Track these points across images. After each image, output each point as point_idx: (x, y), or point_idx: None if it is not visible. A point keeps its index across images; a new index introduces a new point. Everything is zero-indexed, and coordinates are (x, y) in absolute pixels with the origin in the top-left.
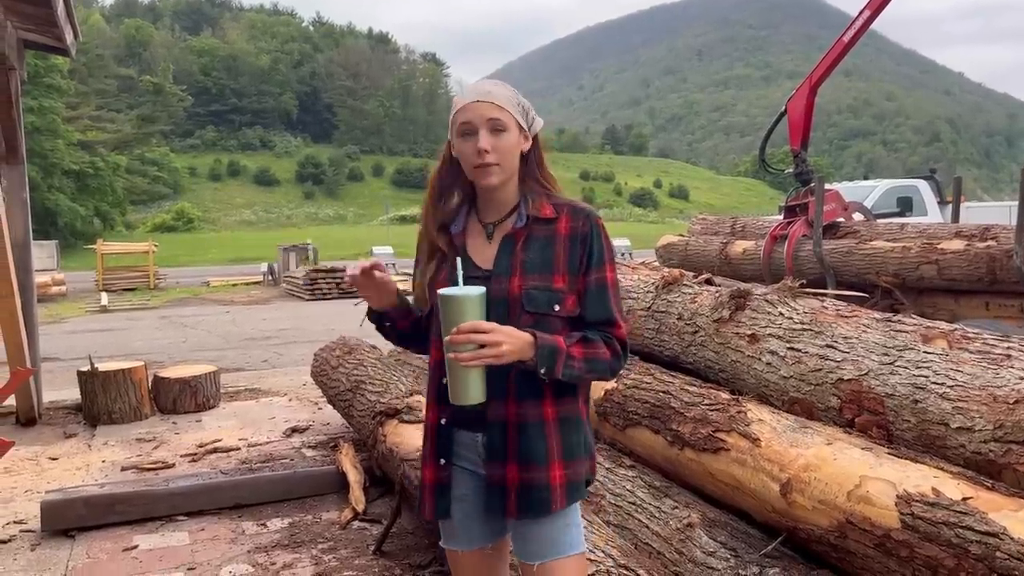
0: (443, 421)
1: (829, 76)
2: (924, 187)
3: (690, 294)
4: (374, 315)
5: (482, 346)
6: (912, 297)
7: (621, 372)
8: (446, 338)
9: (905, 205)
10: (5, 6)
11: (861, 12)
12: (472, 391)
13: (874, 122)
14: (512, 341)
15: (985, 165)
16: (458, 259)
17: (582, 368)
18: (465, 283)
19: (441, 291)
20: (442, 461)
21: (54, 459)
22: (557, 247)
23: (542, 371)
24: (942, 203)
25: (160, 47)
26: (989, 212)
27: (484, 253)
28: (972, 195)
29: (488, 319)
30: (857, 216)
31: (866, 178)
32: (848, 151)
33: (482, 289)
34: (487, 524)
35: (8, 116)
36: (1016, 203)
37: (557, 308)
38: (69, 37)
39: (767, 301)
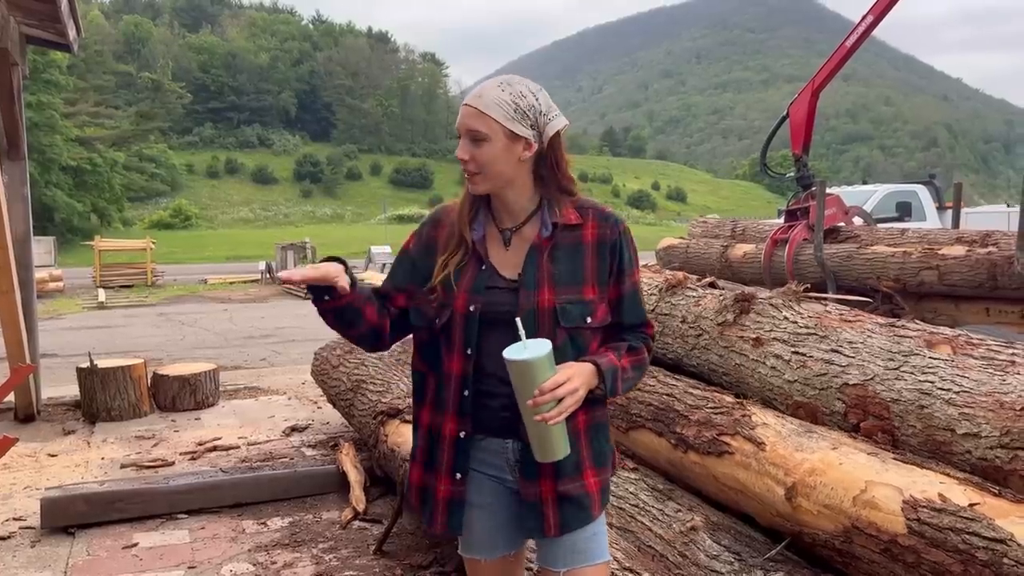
0: (462, 434)
1: (831, 81)
2: (923, 192)
3: (694, 297)
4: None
5: (560, 399)
6: (912, 302)
7: None
8: (528, 401)
9: (904, 210)
10: (9, 2)
11: (864, 17)
12: (560, 447)
13: (872, 127)
14: (583, 379)
15: (982, 171)
16: (518, 319)
17: (632, 377)
18: (487, 294)
19: (510, 357)
20: (458, 476)
21: (53, 456)
22: (586, 256)
23: (608, 396)
24: (941, 208)
25: (159, 44)
26: (988, 218)
27: (505, 261)
28: (969, 201)
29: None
30: (857, 221)
31: (864, 183)
32: (846, 155)
33: (548, 344)
34: (511, 531)
35: (10, 112)
36: (1016, 209)
37: (589, 320)
38: (72, 33)
39: (771, 305)
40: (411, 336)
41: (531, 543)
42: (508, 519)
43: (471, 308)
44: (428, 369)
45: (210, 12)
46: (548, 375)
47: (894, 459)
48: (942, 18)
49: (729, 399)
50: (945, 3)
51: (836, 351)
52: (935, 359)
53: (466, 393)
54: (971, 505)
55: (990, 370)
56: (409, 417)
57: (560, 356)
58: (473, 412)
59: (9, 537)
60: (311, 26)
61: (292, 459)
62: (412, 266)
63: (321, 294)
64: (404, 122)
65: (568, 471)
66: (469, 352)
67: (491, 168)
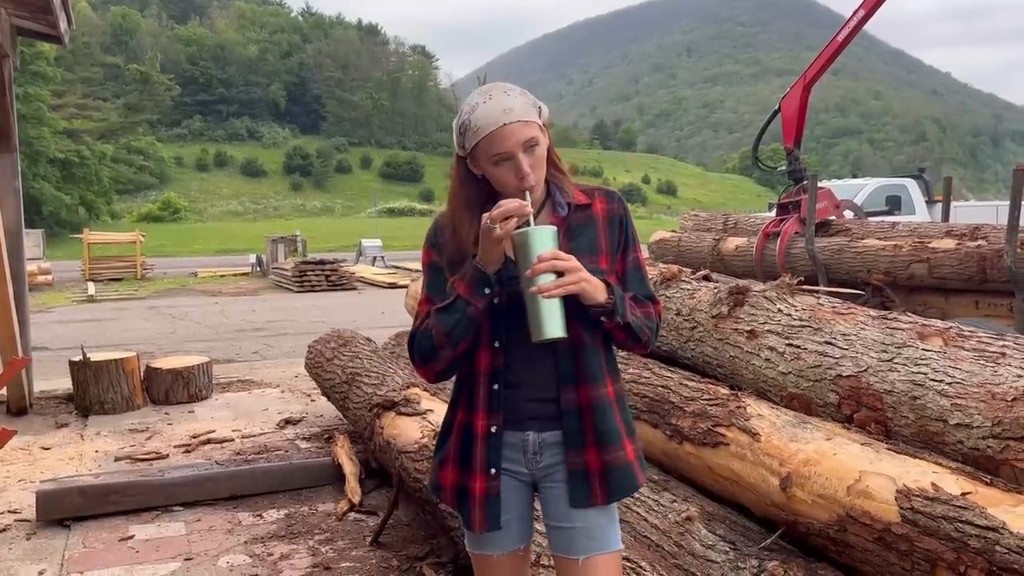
0: (494, 429)
1: (822, 75)
2: (913, 186)
3: (688, 290)
4: (483, 280)
5: (560, 276)
6: (903, 295)
7: (618, 366)
8: (526, 272)
9: (894, 204)
10: None
11: (855, 12)
12: (554, 325)
13: (861, 121)
14: (589, 276)
15: (970, 165)
16: (526, 192)
17: (640, 319)
18: (510, 284)
19: (517, 230)
20: (493, 471)
21: (47, 449)
22: (598, 230)
23: (617, 316)
24: (930, 202)
25: (147, 35)
26: (976, 211)
27: None
28: (957, 194)
29: None
30: (848, 214)
31: (854, 176)
32: (835, 149)
33: (555, 228)
34: (520, 526)
35: (1, 104)
36: (1005, 203)
37: None
38: (63, 24)
39: (766, 298)
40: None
41: (537, 535)
42: (520, 514)
43: (495, 301)
44: (464, 372)
45: (198, 3)
46: (548, 248)
47: (887, 449)
48: (929, 13)
49: (724, 391)
50: None
51: (830, 343)
52: (927, 351)
53: (496, 387)
54: (963, 494)
55: (981, 361)
56: (405, 409)
57: (580, 323)
58: (501, 406)
59: (5, 530)
60: (300, 18)
61: (287, 451)
62: (442, 271)
63: (483, 286)
64: (394, 115)
65: (612, 439)
66: (497, 345)
67: (543, 165)
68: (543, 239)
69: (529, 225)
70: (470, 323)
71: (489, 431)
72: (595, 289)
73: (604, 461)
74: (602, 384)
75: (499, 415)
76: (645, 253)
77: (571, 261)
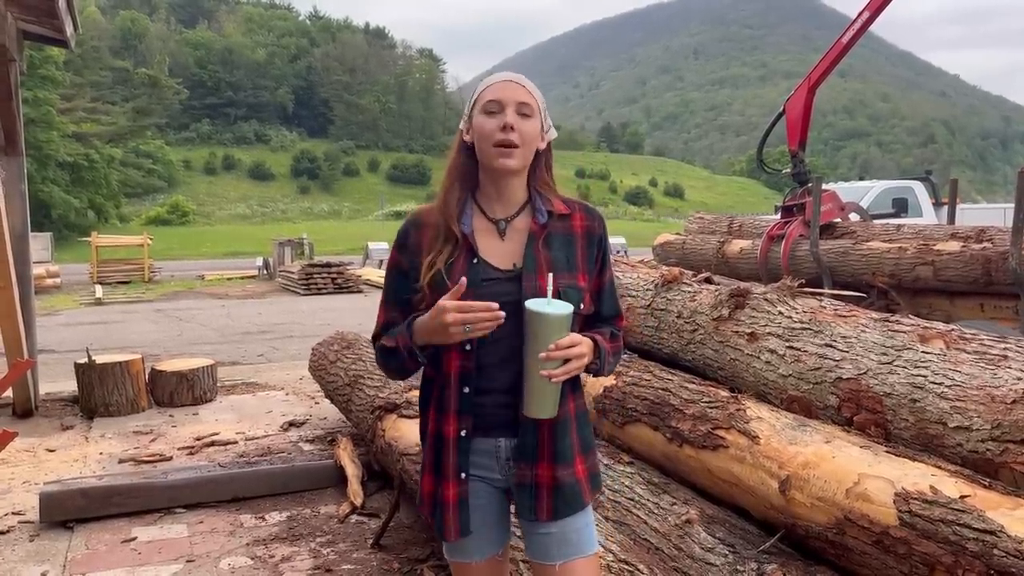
0: (463, 433)
1: (827, 77)
2: (920, 188)
3: (690, 292)
4: (425, 350)
5: (565, 360)
6: (907, 298)
7: (619, 369)
8: (541, 354)
9: (901, 206)
10: None
11: (860, 13)
12: (551, 406)
13: (869, 123)
14: (588, 350)
15: (979, 167)
16: (549, 275)
17: (612, 363)
18: (483, 286)
19: (536, 308)
20: (463, 475)
21: (51, 451)
22: (576, 246)
23: (599, 372)
24: (937, 204)
25: (156, 39)
26: (984, 214)
27: (498, 252)
28: (966, 197)
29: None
30: (854, 217)
31: (862, 179)
32: (843, 152)
33: (571, 306)
34: (498, 531)
35: (7, 108)
36: (1012, 205)
37: (582, 307)
38: (69, 29)
39: (766, 300)
40: None
41: (514, 540)
42: (496, 519)
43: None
44: (432, 373)
45: (206, 7)
46: (564, 334)
47: (886, 452)
48: (937, 15)
49: (724, 393)
50: (936, 1)
51: (830, 346)
52: (928, 353)
53: (466, 390)
54: (962, 497)
55: (982, 364)
56: (407, 412)
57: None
58: (471, 410)
59: (8, 531)
60: (308, 22)
61: (290, 454)
62: (406, 277)
63: (416, 356)
64: (401, 118)
65: (564, 457)
66: (468, 348)
67: (530, 145)
68: (560, 325)
69: (547, 298)
70: (411, 367)
71: (459, 435)
72: (588, 360)
73: (555, 478)
74: (566, 401)
75: (469, 419)
76: (649, 256)
77: (580, 347)
